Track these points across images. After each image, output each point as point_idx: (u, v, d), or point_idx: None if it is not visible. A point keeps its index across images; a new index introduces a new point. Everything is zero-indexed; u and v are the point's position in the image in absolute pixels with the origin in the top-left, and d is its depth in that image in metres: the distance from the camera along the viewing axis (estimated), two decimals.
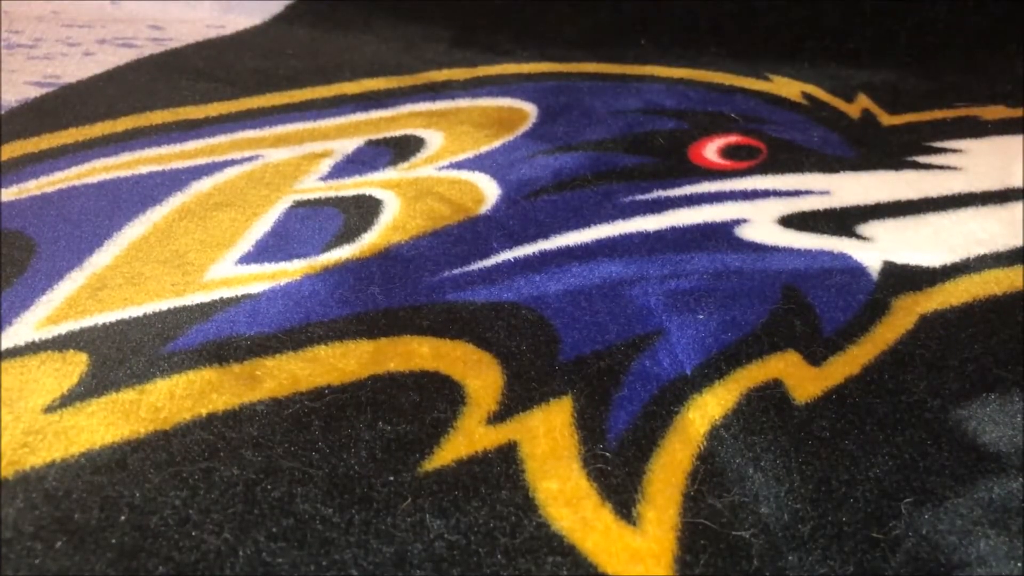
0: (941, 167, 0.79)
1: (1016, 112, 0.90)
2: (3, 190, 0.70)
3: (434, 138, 0.82)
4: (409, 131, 0.84)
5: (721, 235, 0.67)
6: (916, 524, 0.43)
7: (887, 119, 0.89)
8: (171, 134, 0.81)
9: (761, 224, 0.69)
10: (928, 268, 0.64)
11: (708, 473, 0.46)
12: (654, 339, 0.56)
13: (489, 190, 0.73)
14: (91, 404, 0.48)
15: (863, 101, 0.93)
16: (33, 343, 0.53)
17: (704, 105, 0.91)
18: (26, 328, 0.54)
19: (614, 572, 0.41)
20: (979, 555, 0.42)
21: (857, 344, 0.56)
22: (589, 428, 0.49)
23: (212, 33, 1.14)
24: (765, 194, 0.74)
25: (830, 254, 0.65)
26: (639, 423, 0.49)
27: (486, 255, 0.64)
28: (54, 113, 0.84)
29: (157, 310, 0.56)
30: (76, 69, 0.98)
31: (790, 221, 0.70)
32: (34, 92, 0.90)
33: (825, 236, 0.68)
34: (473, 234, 0.67)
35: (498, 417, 0.49)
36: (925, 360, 0.54)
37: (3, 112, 0.85)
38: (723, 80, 0.98)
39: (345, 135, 0.83)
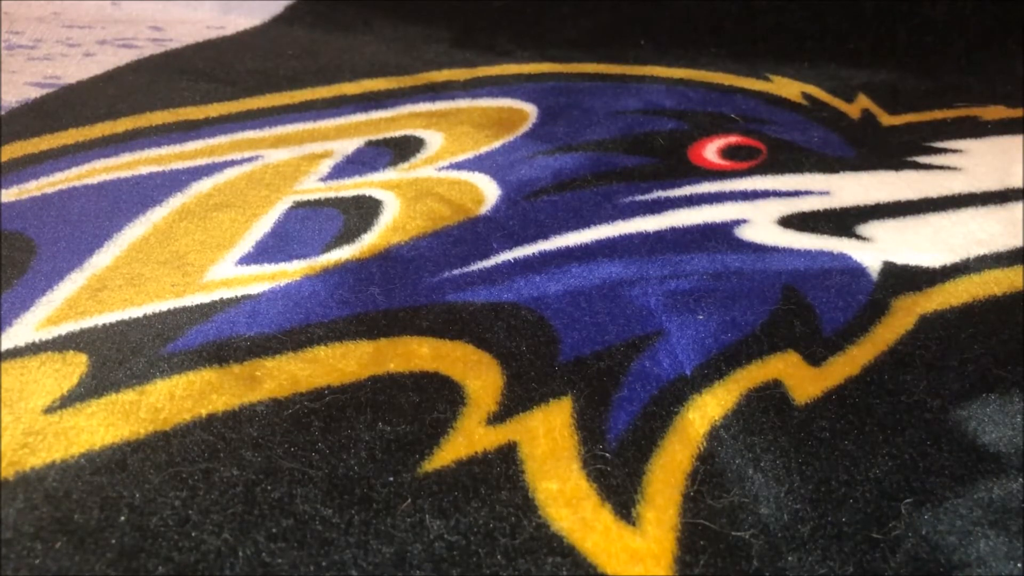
0: (941, 167, 0.79)
1: (1016, 112, 0.90)
2: (3, 191, 0.70)
3: (434, 139, 0.82)
4: (409, 132, 0.84)
5: (721, 235, 0.67)
6: (916, 524, 0.43)
7: (887, 119, 0.89)
8: (171, 135, 0.81)
9: (761, 224, 0.69)
10: (928, 268, 0.64)
11: (708, 474, 0.46)
12: (654, 340, 0.56)
13: (489, 191, 0.73)
14: (91, 405, 0.48)
15: (863, 101, 0.93)
16: (33, 344, 0.53)
17: (704, 105, 0.91)
18: (26, 329, 0.55)
19: (614, 573, 0.41)
20: (979, 555, 0.42)
21: (857, 344, 0.56)
22: (589, 429, 0.49)
23: (212, 34, 1.14)
24: (765, 194, 0.74)
25: (830, 254, 0.65)
26: (639, 424, 0.49)
27: (486, 256, 0.64)
28: (54, 114, 0.85)
29: (157, 311, 0.56)
30: (76, 70, 0.98)
31: (790, 221, 0.70)
32: (34, 93, 0.91)
33: (825, 236, 0.68)
34: (473, 235, 0.67)
35: (498, 418, 0.49)
36: (925, 360, 0.54)
37: (3, 113, 0.85)
38: (723, 80, 0.98)
39: (345, 136, 0.83)
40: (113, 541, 0.41)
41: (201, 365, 0.51)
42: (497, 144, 0.82)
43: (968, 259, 0.65)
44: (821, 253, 0.65)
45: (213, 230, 0.66)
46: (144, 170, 0.75)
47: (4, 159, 0.75)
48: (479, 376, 0.52)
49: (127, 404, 0.48)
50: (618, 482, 0.45)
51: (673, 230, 0.68)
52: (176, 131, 0.82)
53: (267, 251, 0.64)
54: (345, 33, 1.13)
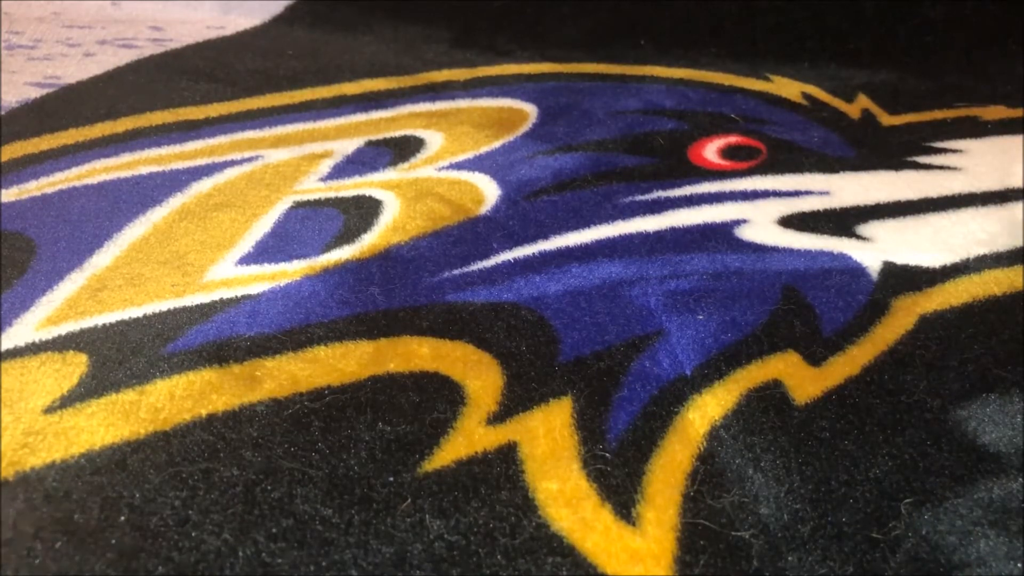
0: (941, 167, 0.79)
1: (1016, 112, 0.90)
2: (3, 191, 0.70)
3: (434, 139, 0.82)
4: (409, 132, 0.84)
5: (721, 235, 0.67)
6: (916, 524, 0.43)
7: (887, 119, 0.89)
8: (171, 135, 0.81)
9: (761, 224, 0.69)
10: (928, 268, 0.64)
11: (708, 474, 0.46)
12: (654, 340, 0.56)
13: (489, 191, 0.73)
14: (91, 405, 0.48)
15: (863, 101, 0.93)
16: (33, 344, 0.53)
17: (704, 105, 0.91)
18: (26, 329, 0.55)
19: (614, 573, 0.41)
20: (979, 555, 0.42)
21: (857, 344, 0.56)
22: (589, 429, 0.49)
23: (212, 34, 1.14)
24: (765, 194, 0.74)
25: (830, 254, 0.65)
26: (639, 424, 0.49)
27: (486, 256, 0.64)
28: (54, 114, 0.84)
29: (157, 311, 0.56)
30: (76, 70, 0.98)
31: (790, 221, 0.70)
32: (34, 93, 0.90)
33: (825, 236, 0.68)
34: (473, 235, 0.67)
35: (498, 418, 0.49)
36: (925, 360, 0.54)
37: (3, 113, 0.85)
38: (723, 80, 0.98)
39: (345, 136, 0.83)
40: (113, 541, 0.41)
41: (201, 365, 0.51)
42: (497, 144, 0.82)
43: (968, 259, 0.65)
44: (821, 253, 0.65)
45: (213, 230, 0.66)
46: (144, 170, 0.75)
47: (4, 159, 0.75)
48: (479, 376, 0.52)
49: (127, 404, 0.48)
50: (618, 482, 0.45)
51: (673, 230, 0.68)
52: (176, 131, 0.82)
53: (267, 251, 0.64)
54: (345, 33, 1.13)
